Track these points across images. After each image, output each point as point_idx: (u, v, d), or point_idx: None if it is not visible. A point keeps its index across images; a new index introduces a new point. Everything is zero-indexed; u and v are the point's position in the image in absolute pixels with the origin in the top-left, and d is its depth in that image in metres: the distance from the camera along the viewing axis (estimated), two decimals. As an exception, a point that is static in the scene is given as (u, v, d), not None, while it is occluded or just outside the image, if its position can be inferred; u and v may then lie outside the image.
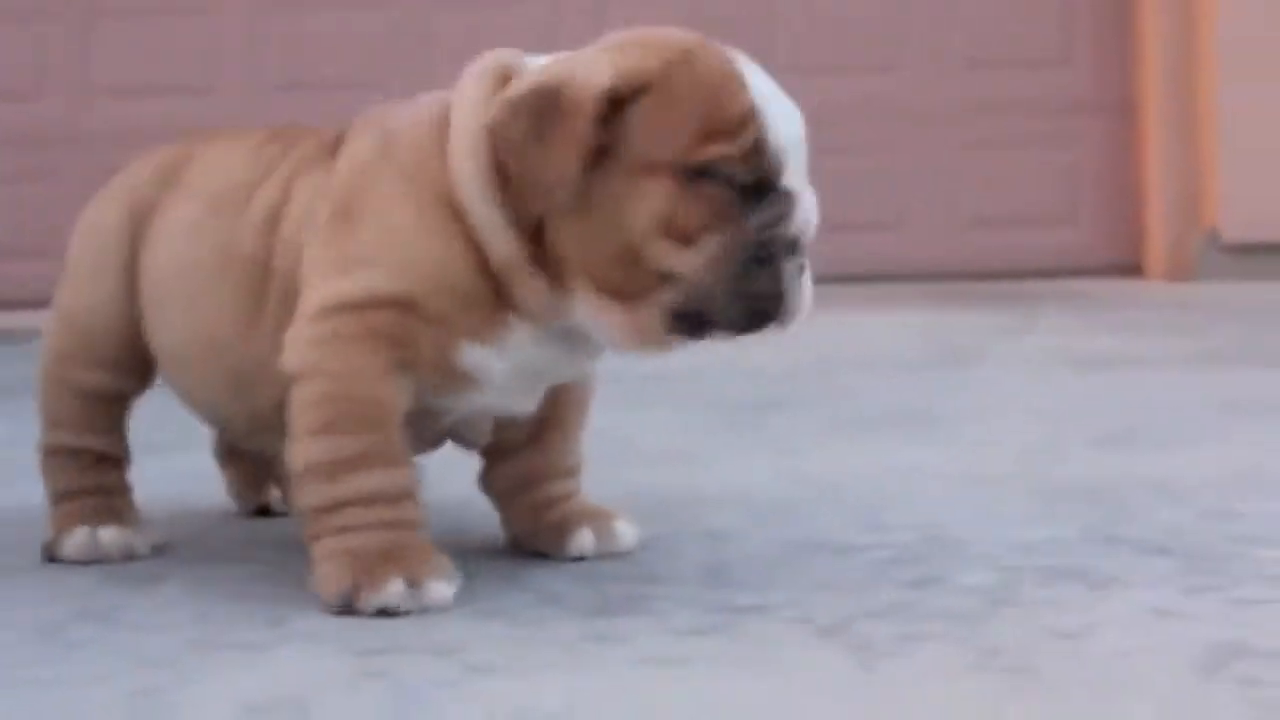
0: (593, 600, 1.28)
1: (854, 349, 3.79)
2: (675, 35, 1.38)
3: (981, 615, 1.19)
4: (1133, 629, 1.15)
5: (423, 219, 1.34)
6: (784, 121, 1.34)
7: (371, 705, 1.00)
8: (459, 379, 1.35)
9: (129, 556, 1.52)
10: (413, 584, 1.25)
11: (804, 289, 1.33)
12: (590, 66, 1.32)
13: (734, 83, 1.33)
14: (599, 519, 1.49)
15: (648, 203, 1.29)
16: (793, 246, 1.32)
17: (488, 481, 1.53)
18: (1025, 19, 7.10)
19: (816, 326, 4.48)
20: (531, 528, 1.50)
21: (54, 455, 1.59)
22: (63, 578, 1.44)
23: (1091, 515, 1.59)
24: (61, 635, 1.22)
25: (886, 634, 1.14)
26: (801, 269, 1.33)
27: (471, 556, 1.45)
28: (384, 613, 1.24)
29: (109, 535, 1.52)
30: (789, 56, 7.02)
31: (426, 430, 1.43)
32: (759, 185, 1.31)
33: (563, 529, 1.48)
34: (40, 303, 6.93)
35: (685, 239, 1.29)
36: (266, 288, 1.42)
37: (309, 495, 1.31)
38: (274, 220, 1.44)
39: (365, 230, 1.35)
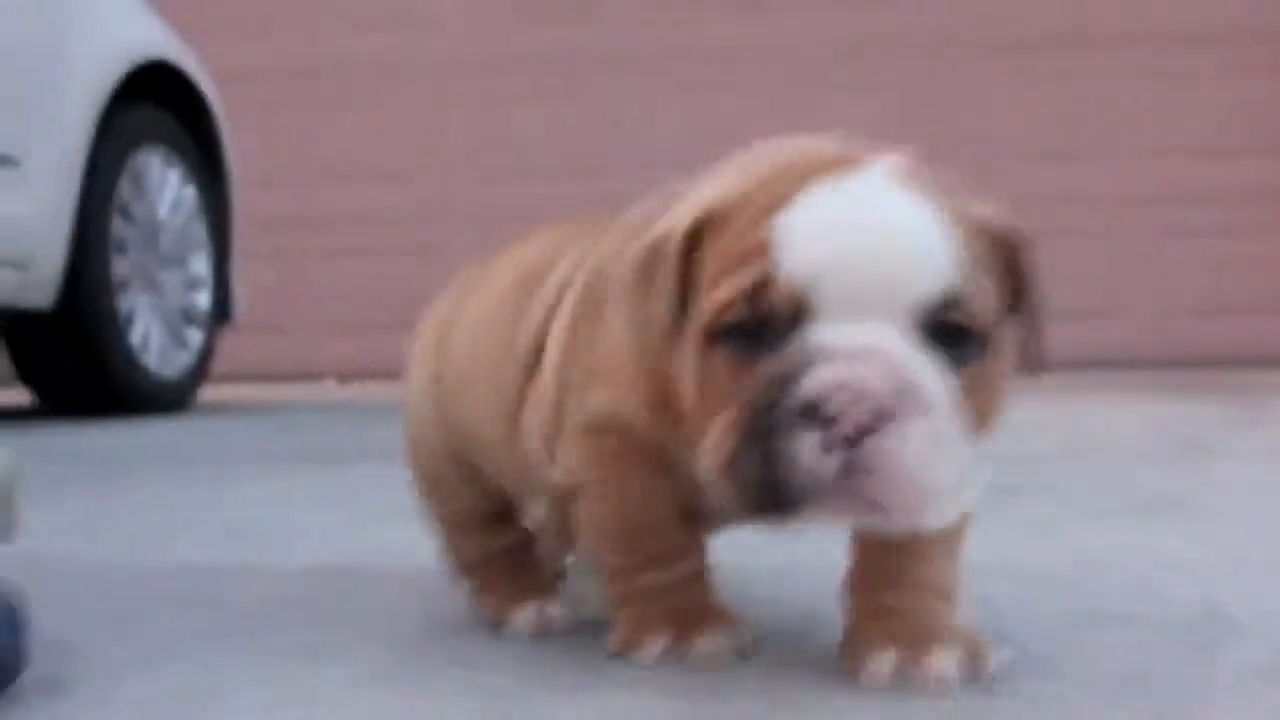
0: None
1: (1087, 437, 3.80)
2: (794, 152, 1.18)
3: (1276, 680, 1.24)
4: None
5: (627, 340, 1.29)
6: (825, 254, 1.08)
7: (711, 737, 1.09)
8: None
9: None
10: (693, 642, 1.31)
11: (869, 467, 1.05)
12: (686, 206, 1.19)
13: (771, 209, 1.11)
14: (909, 649, 1.25)
15: (685, 373, 1.17)
16: (810, 412, 1.05)
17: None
18: (1247, 107, 7.04)
19: (1042, 414, 4.49)
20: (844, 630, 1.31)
21: (477, 570, 1.59)
22: (377, 629, 1.55)
23: (1363, 596, 1.62)
24: (396, 674, 1.33)
25: (1184, 694, 1.20)
26: (849, 441, 1.05)
27: (765, 619, 1.53)
28: (699, 663, 1.30)
29: (556, 610, 1.52)
30: (1010, 144, 7.05)
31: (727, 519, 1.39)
32: (776, 336, 1.09)
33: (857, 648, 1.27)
34: (272, 376, 7.23)
35: (708, 414, 1.14)
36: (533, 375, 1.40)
37: (609, 591, 1.37)
38: (555, 308, 1.41)
39: (603, 340, 1.32)
